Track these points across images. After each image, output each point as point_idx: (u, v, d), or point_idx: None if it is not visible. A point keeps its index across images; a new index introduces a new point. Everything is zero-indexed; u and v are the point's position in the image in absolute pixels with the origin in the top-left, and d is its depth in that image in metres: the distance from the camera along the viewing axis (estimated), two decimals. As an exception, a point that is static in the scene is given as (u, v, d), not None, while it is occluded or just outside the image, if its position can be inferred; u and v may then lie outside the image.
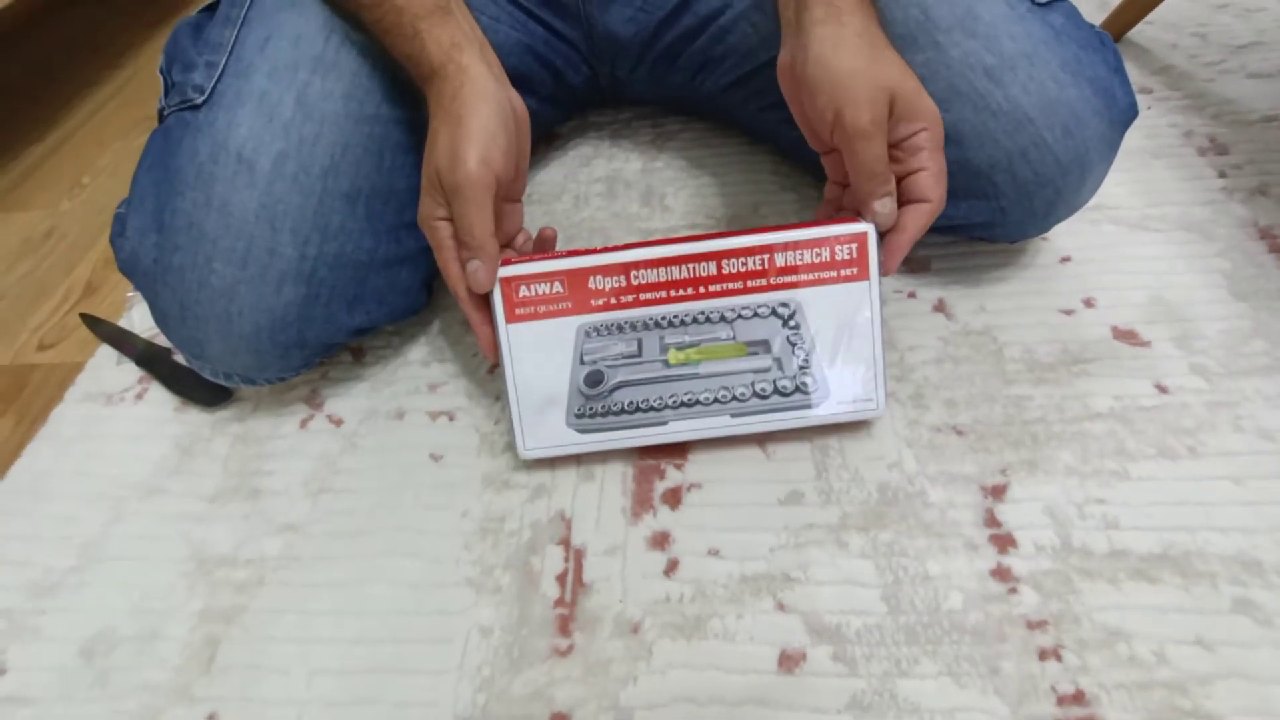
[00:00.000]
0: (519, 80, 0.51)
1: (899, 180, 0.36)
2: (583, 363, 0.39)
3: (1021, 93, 0.39)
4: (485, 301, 0.38)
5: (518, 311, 0.38)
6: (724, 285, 0.39)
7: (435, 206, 0.37)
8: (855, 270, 0.38)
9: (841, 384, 0.39)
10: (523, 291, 0.38)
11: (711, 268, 0.38)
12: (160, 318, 0.41)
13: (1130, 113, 0.42)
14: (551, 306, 0.38)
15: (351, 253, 0.41)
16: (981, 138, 0.40)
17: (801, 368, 0.39)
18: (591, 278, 0.38)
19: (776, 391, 0.39)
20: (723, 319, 0.39)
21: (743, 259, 0.38)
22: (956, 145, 0.41)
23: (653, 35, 0.51)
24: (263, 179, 0.38)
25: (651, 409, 0.39)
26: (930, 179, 0.36)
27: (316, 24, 0.41)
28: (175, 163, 0.39)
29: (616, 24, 0.51)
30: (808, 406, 0.39)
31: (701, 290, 0.39)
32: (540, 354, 0.39)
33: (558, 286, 0.38)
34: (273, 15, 0.41)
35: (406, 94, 0.43)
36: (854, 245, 0.38)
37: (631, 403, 0.39)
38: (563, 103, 0.57)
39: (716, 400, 0.39)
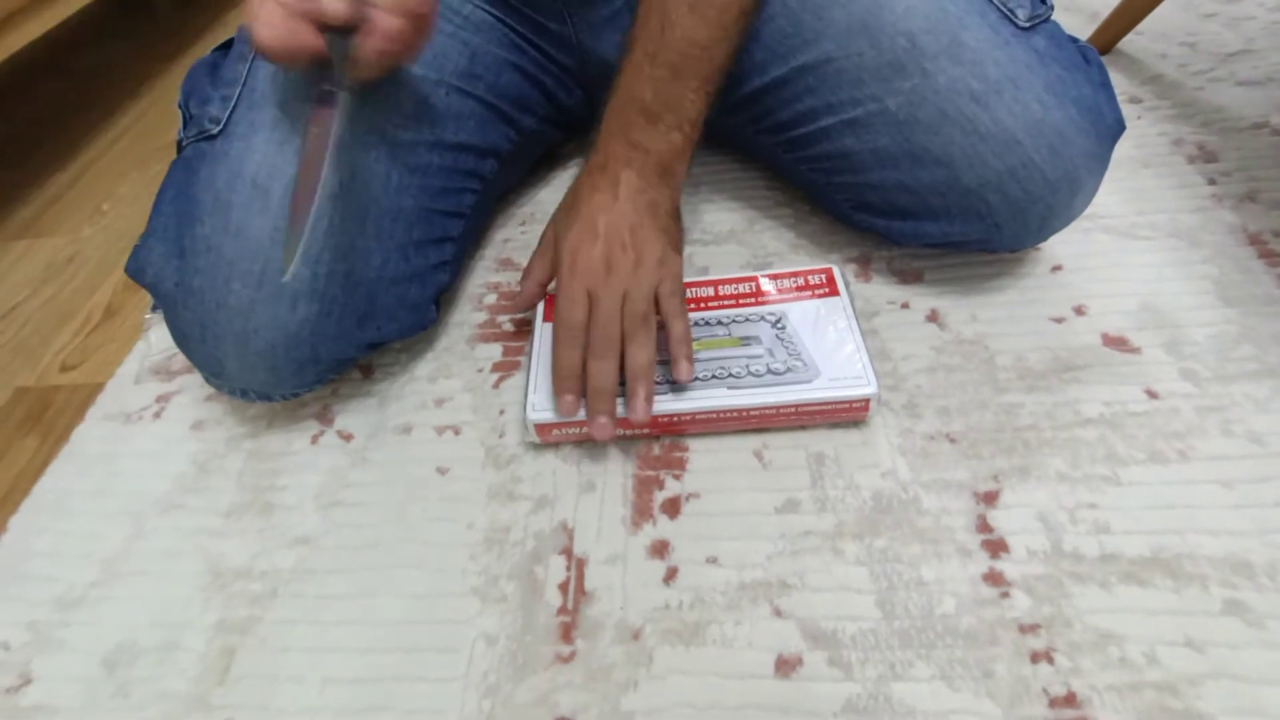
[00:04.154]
0: (513, 100, 0.53)
1: None
2: None
3: (1008, 115, 0.40)
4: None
5: (552, 315, 0.44)
6: (720, 302, 0.47)
7: None
8: (826, 290, 0.47)
9: (831, 366, 0.42)
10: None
11: (710, 290, 0.48)
12: (180, 338, 0.43)
13: (1117, 128, 0.43)
14: None
15: (361, 270, 0.43)
16: (971, 159, 0.42)
17: (791, 354, 0.43)
18: None
19: (770, 371, 0.42)
20: (719, 323, 0.46)
21: (734, 285, 0.48)
22: (947, 167, 0.42)
23: None
24: (276, 203, 0.40)
25: (654, 383, 0.42)
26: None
27: None
28: (193, 191, 0.41)
29: (608, 50, 0.53)
30: (801, 383, 0.41)
31: (701, 306, 0.47)
32: None
33: None
34: None
35: (410, 116, 0.45)
36: (823, 275, 0.47)
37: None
38: (560, 123, 0.59)
39: (714, 376, 0.42)
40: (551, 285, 0.45)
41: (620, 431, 0.43)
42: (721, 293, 0.47)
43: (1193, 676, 0.32)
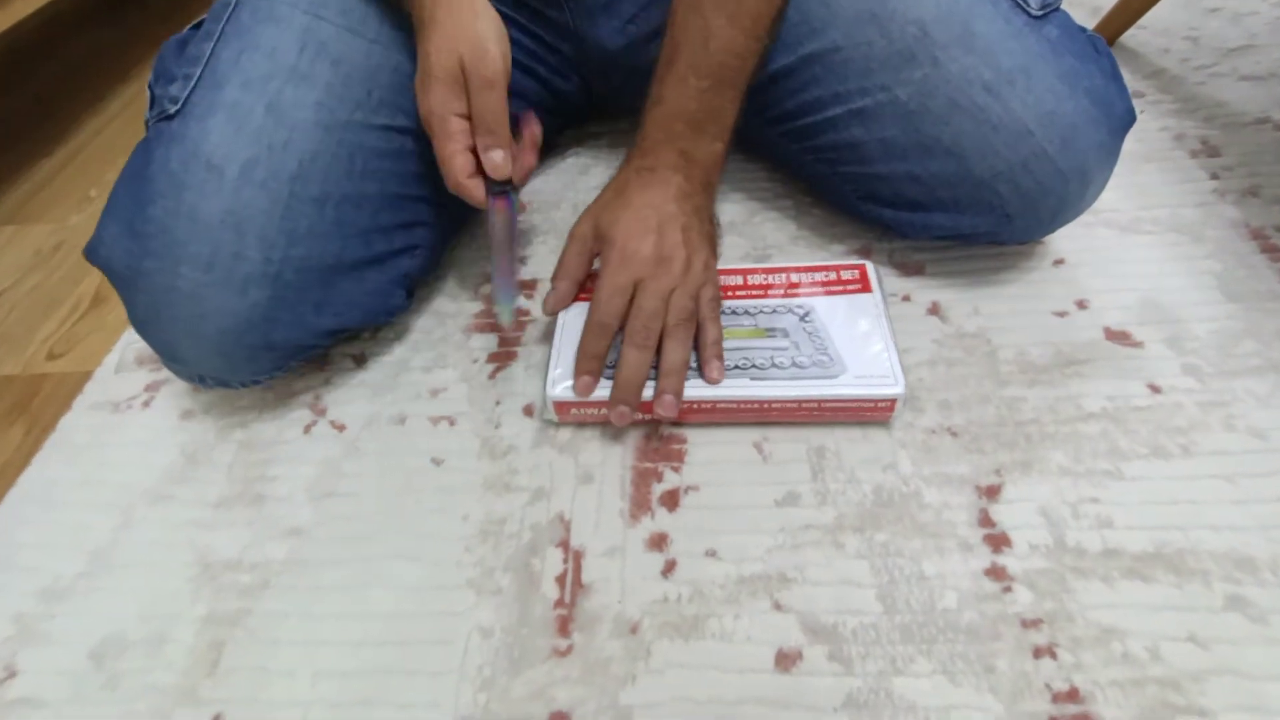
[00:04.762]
0: (512, 92, 0.52)
1: None
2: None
3: (1020, 106, 0.40)
4: (478, 180, 0.43)
5: (580, 296, 0.45)
6: (747, 292, 0.46)
7: (454, 100, 0.40)
8: (859, 286, 0.45)
9: (858, 363, 0.41)
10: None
11: (738, 280, 0.46)
12: (136, 322, 0.42)
13: (1128, 118, 0.43)
14: None
15: (319, 256, 0.42)
16: (982, 150, 0.41)
17: (818, 349, 0.42)
18: None
19: (794, 365, 0.41)
20: (745, 313, 0.45)
21: (764, 275, 0.47)
22: (958, 158, 0.42)
23: (643, 48, 0.52)
24: (230, 185, 0.39)
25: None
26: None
27: (291, 37, 0.42)
28: (149, 172, 0.40)
29: (605, 37, 0.52)
30: (826, 378, 0.41)
31: (727, 295, 0.45)
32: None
33: None
34: (249, 29, 0.42)
35: (382, 103, 0.45)
36: (856, 271, 0.46)
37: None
38: (555, 111, 0.58)
39: (737, 366, 0.42)
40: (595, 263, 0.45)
41: (638, 416, 0.42)
42: (750, 282, 0.46)
43: (1196, 672, 0.32)
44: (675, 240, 0.41)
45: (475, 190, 0.42)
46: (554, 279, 0.45)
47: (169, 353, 0.42)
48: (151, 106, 0.43)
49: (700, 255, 0.42)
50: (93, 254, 0.42)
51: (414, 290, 0.50)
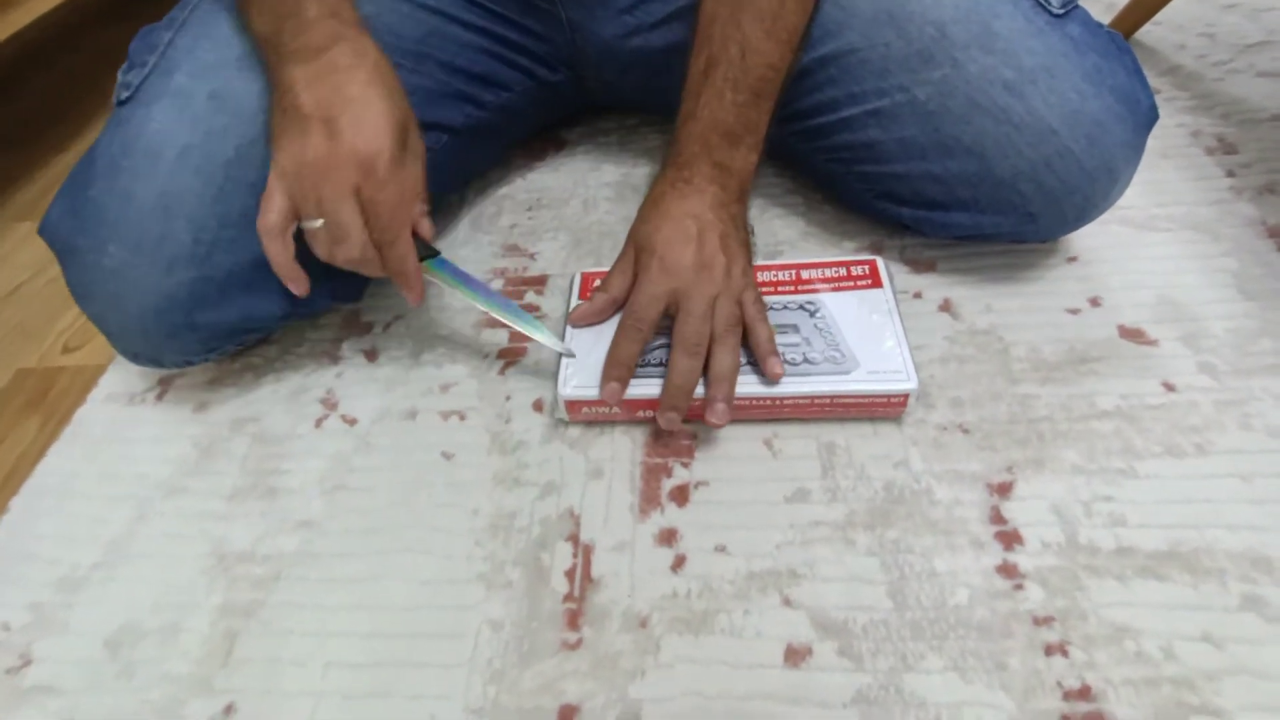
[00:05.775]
0: (474, 78, 0.50)
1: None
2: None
3: (1043, 105, 0.40)
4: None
5: (589, 295, 0.45)
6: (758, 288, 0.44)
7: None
8: (869, 282, 0.45)
9: (870, 359, 0.41)
10: (596, 283, 0.46)
11: None
12: (75, 298, 0.43)
13: (1152, 115, 0.42)
14: None
15: (251, 239, 0.41)
16: (1004, 149, 0.41)
17: (829, 345, 0.42)
18: None
19: (806, 360, 0.41)
20: None
21: (774, 272, 0.47)
22: (979, 157, 0.42)
23: (641, 38, 0.51)
24: (165, 169, 0.40)
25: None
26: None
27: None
28: (94, 154, 0.42)
29: (600, 28, 0.51)
30: (838, 374, 0.41)
31: None
32: (598, 326, 0.45)
33: None
34: (209, 18, 0.43)
35: None
36: (866, 266, 0.46)
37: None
38: (544, 103, 0.57)
39: (749, 363, 0.41)
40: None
41: (642, 413, 0.42)
42: (760, 279, 0.46)
43: (1210, 672, 0.31)
44: (714, 247, 0.41)
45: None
46: (595, 291, 0.45)
47: (103, 327, 0.43)
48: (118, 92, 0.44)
49: (739, 262, 0.42)
50: (41, 230, 0.43)
51: (364, 283, 0.50)
